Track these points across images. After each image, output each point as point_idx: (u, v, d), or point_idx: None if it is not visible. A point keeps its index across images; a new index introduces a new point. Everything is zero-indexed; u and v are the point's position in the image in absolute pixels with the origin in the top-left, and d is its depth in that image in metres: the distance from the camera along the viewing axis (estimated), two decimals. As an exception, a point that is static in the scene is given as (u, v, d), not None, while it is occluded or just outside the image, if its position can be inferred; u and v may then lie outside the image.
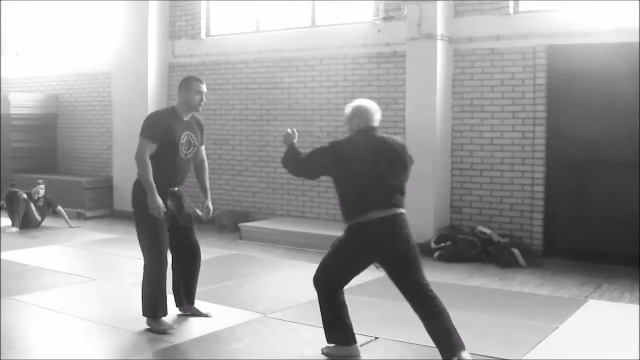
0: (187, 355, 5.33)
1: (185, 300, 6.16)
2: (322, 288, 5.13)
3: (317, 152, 5.14)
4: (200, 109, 5.95)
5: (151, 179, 5.60)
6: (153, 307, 5.74)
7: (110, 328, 5.82)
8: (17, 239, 10.12)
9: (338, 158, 4.99)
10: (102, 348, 5.45)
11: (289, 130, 5.38)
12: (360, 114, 5.12)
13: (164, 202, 5.72)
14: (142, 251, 5.77)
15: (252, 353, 5.34)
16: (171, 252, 6.06)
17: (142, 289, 5.78)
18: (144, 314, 5.79)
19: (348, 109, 5.21)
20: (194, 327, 5.86)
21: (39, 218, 11.08)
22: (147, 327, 5.75)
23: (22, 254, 8.89)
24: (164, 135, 5.70)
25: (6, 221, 11.15)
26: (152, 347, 5.41)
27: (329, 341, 5.20)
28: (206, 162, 6.26)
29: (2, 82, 15.29)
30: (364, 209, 4.91)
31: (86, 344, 5.51)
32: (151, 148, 5.65)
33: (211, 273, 7.94)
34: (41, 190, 11.11)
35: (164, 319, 5.78)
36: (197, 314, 6.14)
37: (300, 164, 5.16)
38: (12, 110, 13.59)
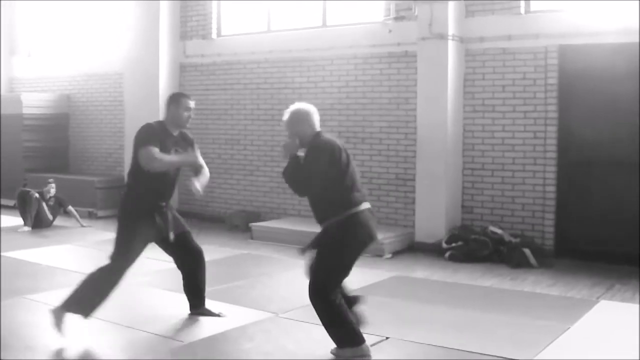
0: (199, 355, 5.34)
1: (195, 302, 6.17)
2: (322, 296, 5.06)
3: (316, 156, 5.09)
4: (187, 125, 5.88)
5: (169, 158, 5.59)
6: (83, 306, 5.53)
7: (122, 327, 5.85)
8: (29, 238, 10.17)
9: (332, 155, 5.08)
10: (115, 347, 5.48)
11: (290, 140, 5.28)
12: (308, 118, 5.29)
13: (152, 216, 5.68)
14: (111, 255, 5.60)
15: (264, 352, 5.35)
16: (174, 259, 6.09)
17: (83, 284, 5.55)
18: (66, 308, 5.54)
19: (289, 114, 5.34)
20: (206, 327, 5.88)
21: (50, 217, 11.12)
22: (53, 318, 5.51)
23: (35, 253, 8.93)
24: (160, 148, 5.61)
25: (18, 220, 11.20)
26: (164, 346, 5.43)
27: (339, 346, 5.16)
28: (206, 168, 6.07)
29: (14, 82, 15.41)
30: (357, 200, 5.11)
31: (99, 342, 5.53)
32: (154, 151, 5.51)
33: (223, 273, 7.97)
34: (52, 189, 11.15)
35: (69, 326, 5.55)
36: (209, 314, 6.15)
37: (307, 178, 5.08)
38: (25, 110, 13.66)
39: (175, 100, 5.85)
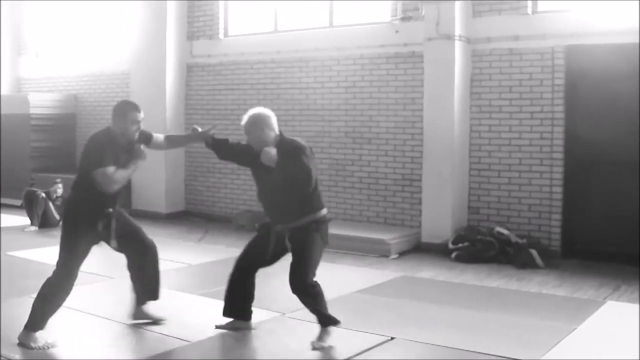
0: (204, 353, 5.35)
1: (149, 296, 5.91)
2: (309, 285, 5.36)
3: (308, 154, 5.30)
4: (136, 137, 5.56)
5: (123, 175, 5.41)
6: (39, 320, 5.40)
7: (128, 326, 5.86)
8: (36, 238, 10.19)
9: (312, 155, 5.38)
10: (121, 346, 5.50)
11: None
12: (271, 122, 5.42)
13: (97, 224, 5.47)
14: (57, 262, 5.51)
15: (270, 352, 5.37)
16: (126, 257, 5.83)
17: (37, 302, 5.42)
18: (27, 328, 5.37)
19: (251, 118, 5.46)
20: (212, 326, 5.87)
21: (57, 217, 11.13)
22: (21, 342, 5.32)
23: (42, 252, 8.94)
24: (113, 162, 5.37)
25: (25, 220, 11.22)
26: (169, 345, 5.43)
27: (330, 323, 5.42)
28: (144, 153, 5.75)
29: (22, 82, 15.45)
30: (323, 202, 5.50)
31: (105, 342, 5.56)
32: (111, 172, 5.30)
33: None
34: (59, 189, 11.18)
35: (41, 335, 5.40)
36: (151, 318, 5.91)
37: (313, 175, 5.26)
38: (32, 110, 13.71)
39: (122, 114, 5.50)
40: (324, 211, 5.46)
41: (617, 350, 5.46)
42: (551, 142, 9.05)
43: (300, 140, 5.43)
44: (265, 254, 5.55)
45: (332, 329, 5.44)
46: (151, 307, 5.94)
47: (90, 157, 5.41)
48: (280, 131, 5.47)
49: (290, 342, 5.53)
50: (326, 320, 5.41)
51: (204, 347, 5.45)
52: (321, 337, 5.40)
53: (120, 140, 5.49)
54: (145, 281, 5.87)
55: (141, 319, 5.92)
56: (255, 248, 5.63)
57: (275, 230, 5.45)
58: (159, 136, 5.99)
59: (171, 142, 6.15)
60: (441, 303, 6.79)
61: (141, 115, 5.56)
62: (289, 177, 5.20)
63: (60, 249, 5.52)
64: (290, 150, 5.27)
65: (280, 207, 5.43)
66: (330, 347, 5.37)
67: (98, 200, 5.45)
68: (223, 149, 5.89)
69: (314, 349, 5.33)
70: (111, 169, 5.29)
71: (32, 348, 5.27)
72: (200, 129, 5.97)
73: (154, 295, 5.93)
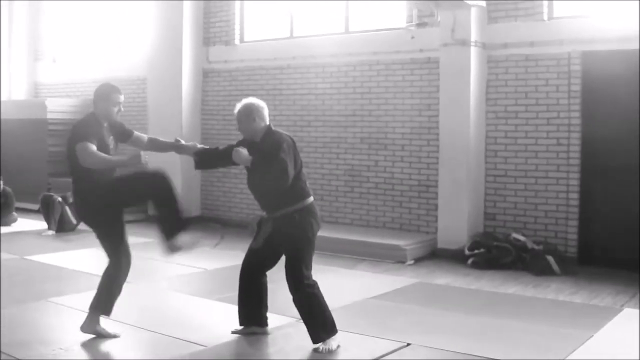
0: (220, 358, 5.36)
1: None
2: (306, 284, 5.41)
3: (286, 149, 5.39)
4: (118, 119, 5.77)
5: (108, 158, 5.49)
6: (111, 304, 5.69)
7: (144, 331, 5.89)
8: (53, 242, 10.25)
9: (293, 148, 5.51)
10: (137, 350, 5.53)
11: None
12: (263, 113, 5.62)
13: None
14: (109, 252, 5.71)
15: (285, 356, 5.37)
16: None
17: (105, 287, 5.67)
18: (101, 312, 5.67)
19: (244, 108, 5.59)
20: (227, 331, 5.88)
21: (74, 221, 11.18)
22: (93, 331, 5.64)
23: (59, 257, 9.00)
24: (98, 142, 5.49)
25: (43, 224, 11.29)
26: (185, 349, 5.45)
27: (324, 335, 5.40)
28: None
29: (39, 87, 15.57)
30: (308, 191, 5.55)
31: (121, 346, 5.58)
32: (93, 148, 5.37)
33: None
34: (75, 194, 11.23)
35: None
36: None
37: (289, 171, 5.31)
38: (49, 115, 13.79)
39: (105, 95, 5.67)
40: (309, 200, 5.52)
41: (634, 357, 5.43)
42: (568, 148, 9.02)
43: (283, 134, 5.57)
44: (258, 243, 5.63)
45: (337, 334, 5.46)
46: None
47: (74, 135, 5.51)
48: (269, 123, 5.63)
49: (306, 347, 5.52)
50: (321, 332, 5.41)
51: (220, 352, 5.46)
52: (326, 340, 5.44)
53: (104, 124, 5.67)
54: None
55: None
56: (254, 243, 5.74)
57: (263, 219, 5.60)
58: (142, 136, 6.10)
59: (152, 144, 6.15)
60: (457, 309, 6.78)
61: (121, 97, 5.72)
62: (266, 175, 5.31)
63: (106, 237, 5.69)
64: (271, 144, 5.41)
65: (264, 198, 5.58)
66: (339, 347, 5.42)
67: (97, 190, 5.54)
68: (206, 159, 5.99)
69: (318, 351, 5.36)
70: (93, 146, 5.37)
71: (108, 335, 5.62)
72: (183, 141, 6.13)
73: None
